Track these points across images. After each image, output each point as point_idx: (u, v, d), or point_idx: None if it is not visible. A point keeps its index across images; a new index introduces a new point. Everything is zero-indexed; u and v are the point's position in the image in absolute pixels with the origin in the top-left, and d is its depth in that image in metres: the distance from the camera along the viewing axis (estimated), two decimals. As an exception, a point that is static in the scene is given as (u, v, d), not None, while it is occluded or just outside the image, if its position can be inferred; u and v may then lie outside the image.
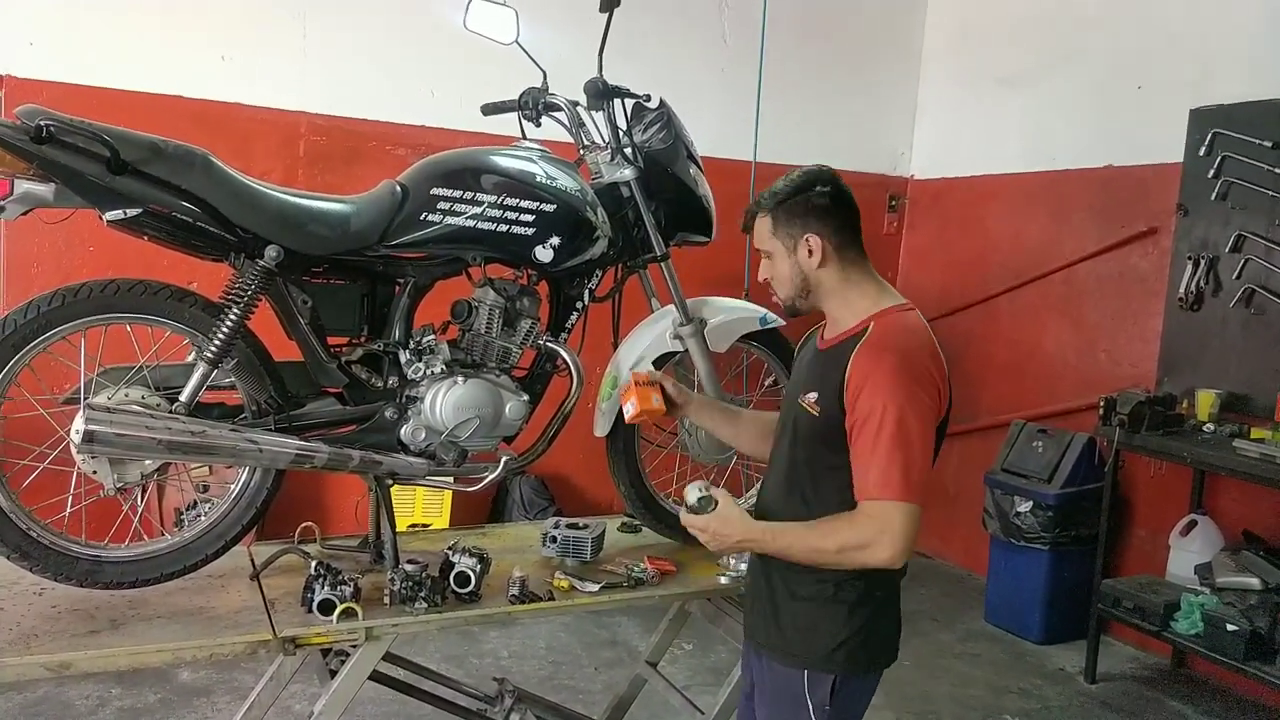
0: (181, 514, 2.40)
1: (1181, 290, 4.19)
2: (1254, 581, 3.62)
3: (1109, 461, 4.08)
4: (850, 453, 1.83)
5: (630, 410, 2.21)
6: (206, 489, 3.04)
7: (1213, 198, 4.09)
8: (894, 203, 5.84)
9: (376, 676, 2.41)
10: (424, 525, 4.38)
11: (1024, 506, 4.46)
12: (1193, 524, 4.04)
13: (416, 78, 4.54)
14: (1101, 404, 4.07)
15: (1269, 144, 3.89)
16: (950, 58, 5.68)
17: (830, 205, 1.91)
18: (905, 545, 1.77)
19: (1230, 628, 3.50)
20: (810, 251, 1.91)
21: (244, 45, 4.27)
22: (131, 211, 1.98)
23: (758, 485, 2.32)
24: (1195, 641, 3.66)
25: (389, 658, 2.65)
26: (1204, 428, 3.90)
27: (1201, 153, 4.13)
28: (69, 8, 4.00)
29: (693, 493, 1.94)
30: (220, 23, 4.22)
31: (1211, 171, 4.09)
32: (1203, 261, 4.12)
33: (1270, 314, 3.90)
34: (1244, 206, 3.99)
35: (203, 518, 2.24)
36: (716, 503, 1.91)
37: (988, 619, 4.70)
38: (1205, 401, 3.98)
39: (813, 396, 1.91)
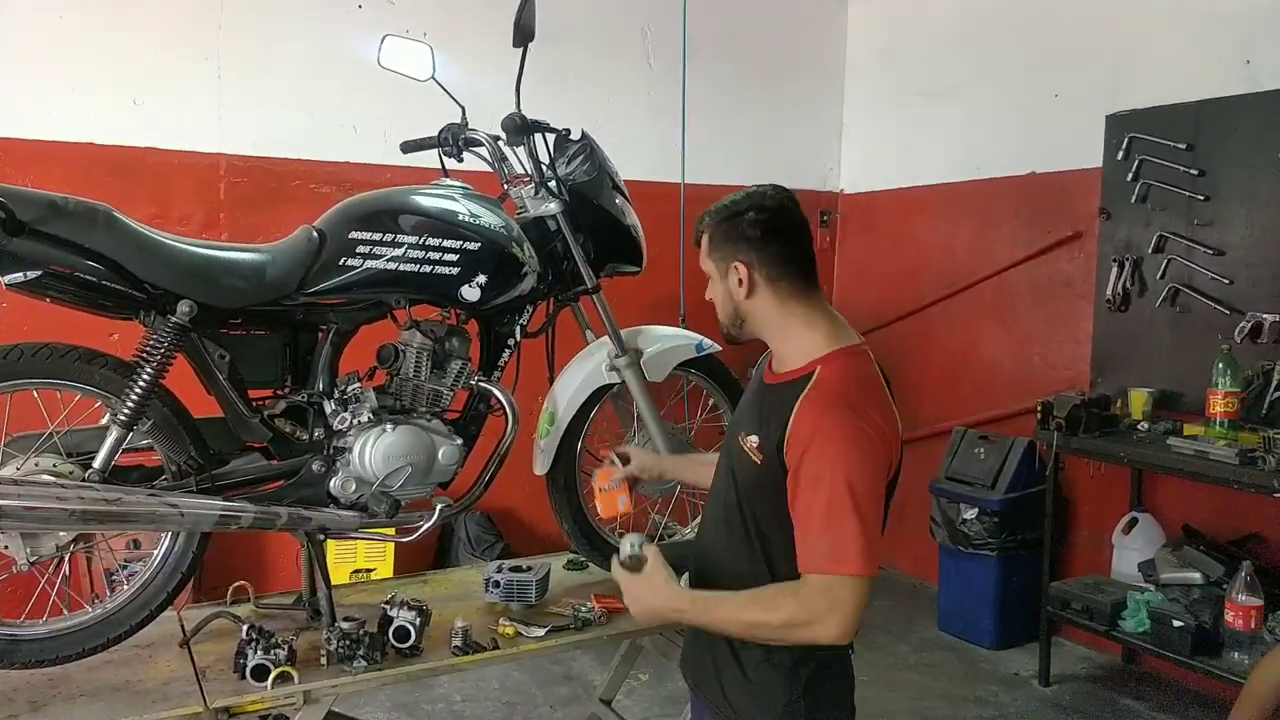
0: (113, 575, 2.30)
1: (1109, 292, 4.27)
2: (1196, 576, 3.67)
3: (1049, 465, 4.12)
4: (794, 516, 1.67)
5: (602, 514, 2.24)
6: (139, 545, 2.92)
7: (1133, 200, 4.17)
8: (825, 218, 5.88)
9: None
10: (368, 570, 4.27)
11: (970, 513, 4.49)
12: (1134, 522, 4.09)
13: (338, 114, 4.45)
14: (1039, 408, 4.11)
15: (1183, 145, 3.98)
16: (873, 73, 5.75)
17: (761, 235, 1.75)
18: (854, 621, 1.63)
19: (1176, 624, 3.54)
20: (740, 280, 1.76)
21: (156, 88, 4.15)
22: (31, 274, 1.89)
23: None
24: (1143, 639, 3.70)
25: (332, 717, 2.56)
26: (1139, 426, 3.96)
27: (1120, 157, 4.21)
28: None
29: (625, 547, 1.83)
30: (130, 67, 4.10)
31: (1130, 175, 4.17)
32: (1127, 263, 4.20)
33: (1195, 312, 3.97)
34: (1163, 208, 4.08)
35: (136, 575, 2.14)
36: (645, 562, 1.78)
37: (941, 627, 4.71)
38: (1138, 401, 4.04)
39: (754, 440, 1.75)
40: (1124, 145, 4.19)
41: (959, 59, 5.16)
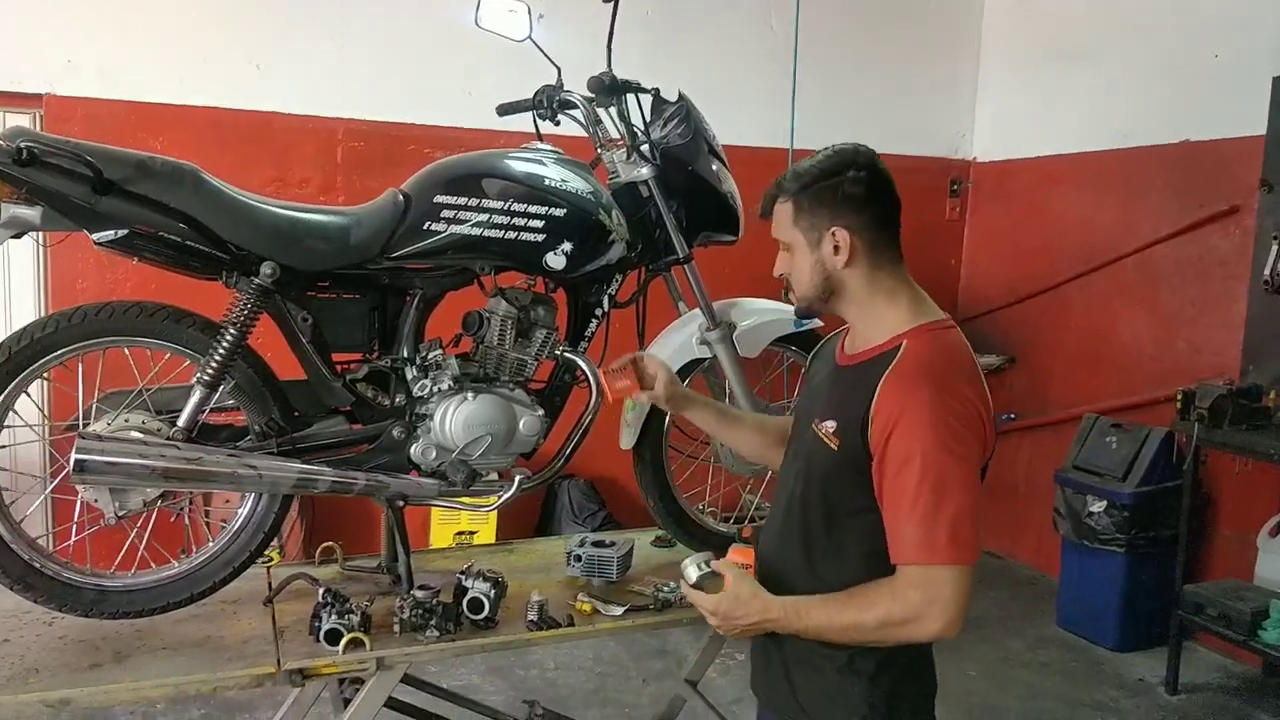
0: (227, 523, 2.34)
1: (1267, 272, 3.88)
2: (1351, 588, 3.34)
3: (1188, 458, 3.81)
4: (881, 505, 1.55)
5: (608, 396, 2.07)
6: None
7: (1299, 172, 3.79)
8: (956, 187, 5.59)
9: (393, 704, 2.33)
10: (470, 533, 4.31)
11: (1097, 506, 4.21)
12: (1283, 524, 3.76)
13: (451, 78, 4.46)
14: (1180, 397, 3.80)
15: (1361, 111, 3.59)
16: (1011, 33, 5.41)
17: (865, 194, 1.61)
18: (958, 614, 1.49)
19: (1325, 639, 3.23)
20: (837, 248, 1.61)
21: (277, 53, 4.24)
22: (120, 232, 1.91)
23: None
24: (1286, 652, 3.40)
25: (413, 681, 2.57)
26: (1293, 421, 3.62)
27: (1286, 124, 3.83)
28: (103, 25, 4.01)
29: (691, 570, 1.66)
30: (253, 33, 4.19)
31: (1297, 143, 3.79)
32: (1289, 241, 3.82)
33: (1365, 296, 3.59)
34: (1334, 180, 3.69)
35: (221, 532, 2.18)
36: (722, 579, 1.64)
37: (1060, 624, 4.45)
38: (1294, 393, 3.69)
39: (830, 425, 1.62)
40: (1291, 111, 3.80)
41: (1105, 16, 4.78)
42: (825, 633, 1.58)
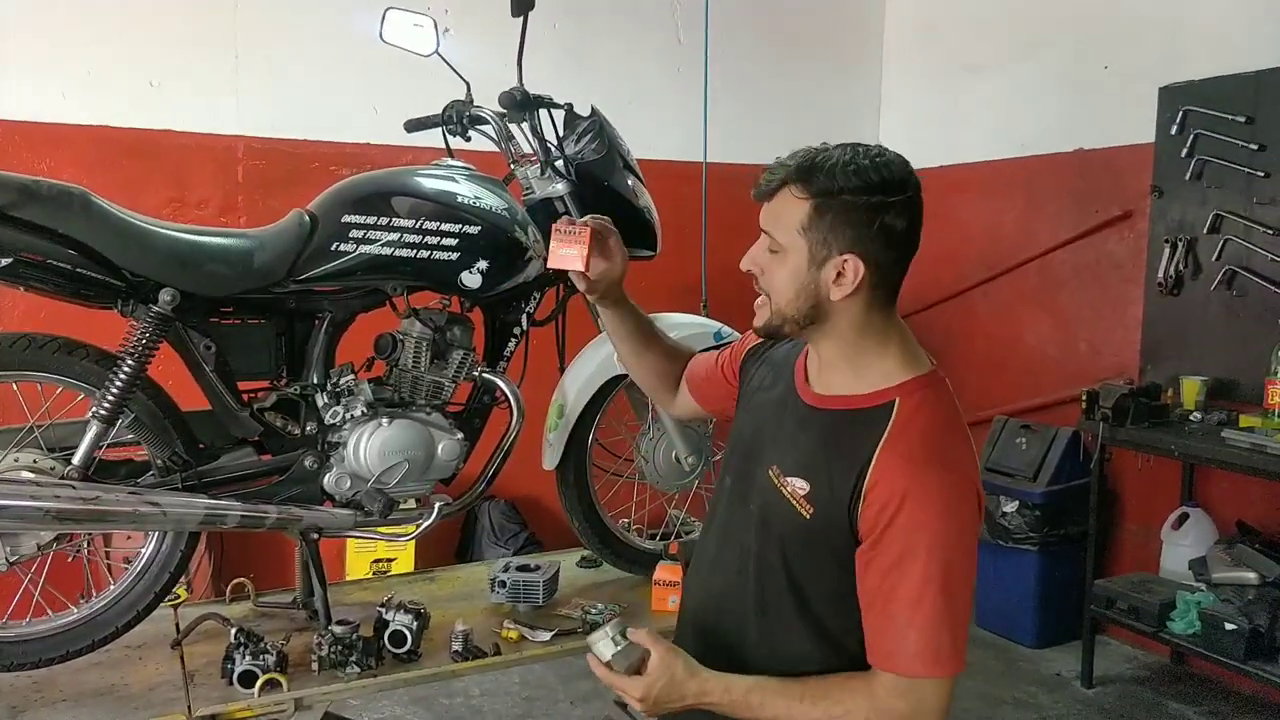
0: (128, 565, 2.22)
1: (1160, 275, 4.04)
2: (1251, 576, 3.47)
3: (1095, 457, 3.92)
4: (865, 597, 1.34)
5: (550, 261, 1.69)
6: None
7: (1187, 177, 3.93)
8: (863, 197, 5.68)
9: (315, 744, 2.23)
10: (388, 560, 4.19)
11: (1010, 506, 4.30)
12: (1184, 517, 3.89)
13: (357, 95, 4.34)
14: (1084, 397, 3.91)
15: (1242, 119, 3.74)
16: (913, 47, 5.52)
17: (905, 231, 1.34)
18: None
19: (1229, 627, 3.34)
20: (840, 275, 1.34)
21: (173, 70, 4.07)
22: (3, 261, 1.80)
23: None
24: (1193, 641, 3.51)
25: (331, 718, 2.48)
26: (1191, 417, 3.75)
27: (1173, 131, 3.97)
28: (-17, 40, 3.81)
29: (605, 647, 1.36)
30: (145, 49, 4.02)
31: (1184, 150, 3.93)
32: (1180, 244, 3.97)
33: (1253, 296, 3.75)
34: (1220, 185, 3.84)
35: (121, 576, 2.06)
36: (645, 653, 1.36)
37: (979, 624, 4.52)
38: (1191, 389, 3.83)
39: (801, 487, 1.38)
40: (1178, 119, 3.95)
41: (1003, 30, 4.92)
42: None
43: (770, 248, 1.40)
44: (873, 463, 1.32)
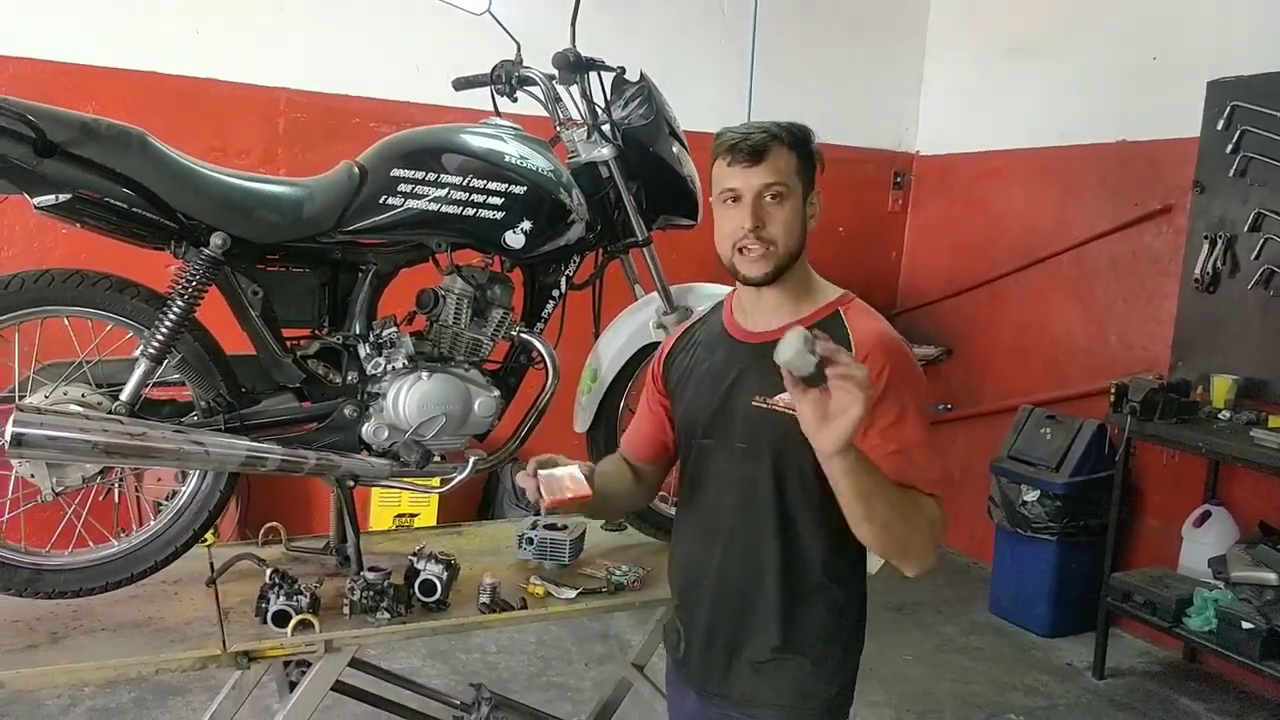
0: (162, 505, 2.27)
1: (1197, 271, 4.02)
2: (1270, 577, 3.47)
3: (1120, 450, 3.92)
4: (872, 438, 1.54)
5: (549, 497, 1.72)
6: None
7: (1231, 174, 3.90)
8: (899, 179, 5.66)
9: (341, 687, 2.28)
10: (411, 516, 4.25)
11: (1031, 495, 4.31)
12: (1206, 515, 3.89)
13: (401, 51, 4.37)
14: (1112, 390, 3.90)
15: (1291, 117, 3.71)
16: (957, 29, 5.48)
17: (821, 171, 1.73)
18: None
19: (1245, 626, 3.35)
20: (812, 205, 1.68)
21: (218, 18, 4.10)
22: (62, 197, 1.82)
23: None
24: (1208, 639, 3.52)
25: (357, 664, 2.52)
26: (1219, 415, 3.75)
27: (1219, 127, 3.94)
28: (34, -18, 3.84)
29: (799, 351, 1.30)
30: (192, -5, 4.05)
31: (1230, 146, 3.90)
32: (1220, 241, 3.95)
33: (1290, 296, 3.72)
34: (1264, 183, 3.81)
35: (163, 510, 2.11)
36: (836, 352, 1.34)
37: (993, 610, 4.56)
38: (1221, 387, 3.82)
39: (782, 396, 1.57)
40: (1225, 114, 3.91)
41: (1049, 16, 4.87)
42: (876, 499, 1.47)
43: (774, 193, 1.64)
44: (852, 346, 1.58)
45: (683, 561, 1.84)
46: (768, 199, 1.64)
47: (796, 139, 1.67)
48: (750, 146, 1.63)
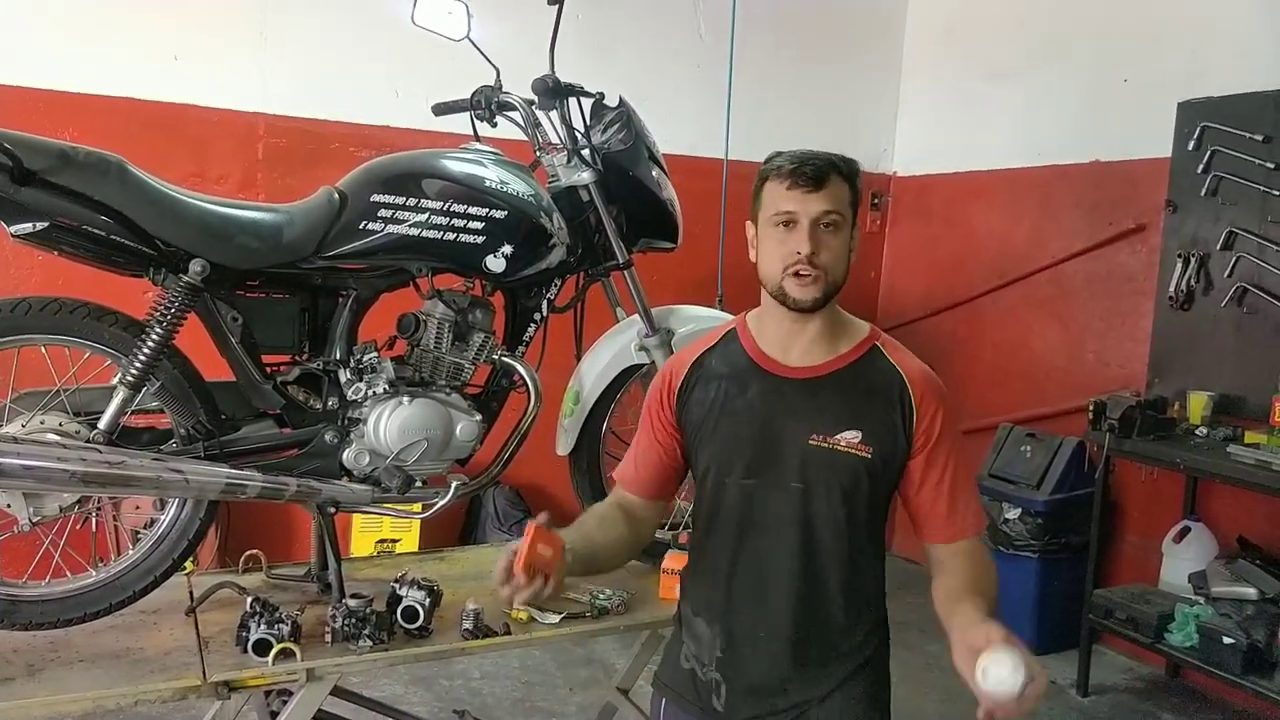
0: (140, 534, 2.25)
1: (1171, 289, 4.06)
2: (1250, 591, 3.50)
3: (1099, 467, 3.95)
4: (930, 490, 1.65)
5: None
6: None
7: (1202, 193, 3.95)
8: (876, 200, 5.70)
9: (323, 716, 2.26)
10: (393, 541, 4.22)
11: (1012, 513, 4.33)
12: (1186, 531, 3.91)
13: (380, 77, 4.37)
14: (1091, 407, 3.94)
15: (1260, 137, 3.76)
16: (933, 52, 5.54)
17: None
18: None
19: (1226, 640, 3.37)
20: (855, 245, 1.69)
21: (198, 44, 4.10)
22: (39, 225, 1.82)
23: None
24: (1190, 654, 3.54)
25: (339, 692, 2.50)
26: (1196, 431, 3.78)
27: (1190, 147, 3.99)
28: (10, 6, 3.83)
29: (1011, 672, 1.39)
30: (172, 21, 4.04)
31: (1201, 166, 3.95)
32: (1193, 259, 3.99)
33: (1264, 313, 3.77)
34: (1235, 202, 3.86)
35: (141, 540, 2.09)
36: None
37: (976, 628, 4.56)
38: (1197, 404, 3.86)
39: (854, 436, 1.62)
40: (1196, 135, 3.97)
41: (1024, 39, 4.94)
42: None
43: (830, 221, 1.63)
44: (907, 386, 1.65)
45: (722, 609, 1.71)
46: (823, 226, 1.62)
47: (851, 171, 1.67)
48: (813, 171, 1.61)
